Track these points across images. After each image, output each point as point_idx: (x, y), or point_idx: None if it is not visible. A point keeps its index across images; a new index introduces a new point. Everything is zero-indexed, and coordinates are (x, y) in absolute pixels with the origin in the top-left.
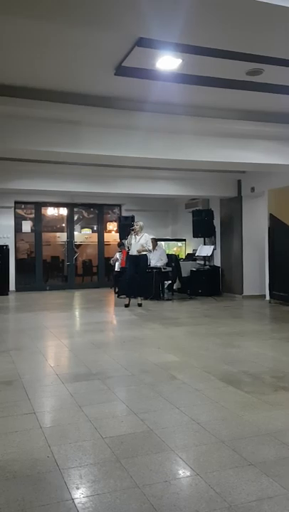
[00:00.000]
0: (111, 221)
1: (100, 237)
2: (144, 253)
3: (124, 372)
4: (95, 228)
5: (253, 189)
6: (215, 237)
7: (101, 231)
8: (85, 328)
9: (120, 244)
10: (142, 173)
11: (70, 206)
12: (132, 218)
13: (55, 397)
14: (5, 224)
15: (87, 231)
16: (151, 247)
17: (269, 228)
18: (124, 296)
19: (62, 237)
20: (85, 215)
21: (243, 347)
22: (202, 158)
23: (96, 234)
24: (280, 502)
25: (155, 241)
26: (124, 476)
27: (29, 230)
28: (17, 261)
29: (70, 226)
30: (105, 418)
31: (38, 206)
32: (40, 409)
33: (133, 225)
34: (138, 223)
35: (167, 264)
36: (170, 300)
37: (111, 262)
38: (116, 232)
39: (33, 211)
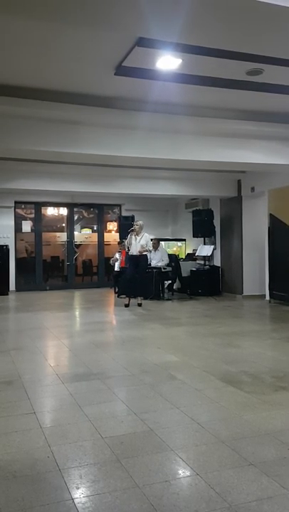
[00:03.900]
0: (111, 221)
1: (100, 237)
2: (145, 253)
3: (124, 372)
4: (95, 228)
5: (253, 189)
6: (215, 237)
7: (101, 231)
8: (85, 328)
9: (121, 243)
10: (142, 173)
11: (70, 206)
12: (132, 218)
13: (55, 397)
14: (5, 224)
15: (87, 231)
16: (151, 247)
17: (269, 228)
18: (124, 296)
19: (62, 237)
20: (85, 214)
21: (243, 347)
22: (202, 158)
23: (96, 234)
24: (280, 502)
25: (157, 241)
26: (124, 476)
27: (29, 230)
28: (17, 261)
29: (70, 226)
30: (105, 418)
31: (38, 206)
32: (40, 409)
33: (133, 226)
34: (138, 223)
35: (167, 265)
36: (170, 300)
37: (111, 262)
38: (116, 232)
39: (33, 211)
